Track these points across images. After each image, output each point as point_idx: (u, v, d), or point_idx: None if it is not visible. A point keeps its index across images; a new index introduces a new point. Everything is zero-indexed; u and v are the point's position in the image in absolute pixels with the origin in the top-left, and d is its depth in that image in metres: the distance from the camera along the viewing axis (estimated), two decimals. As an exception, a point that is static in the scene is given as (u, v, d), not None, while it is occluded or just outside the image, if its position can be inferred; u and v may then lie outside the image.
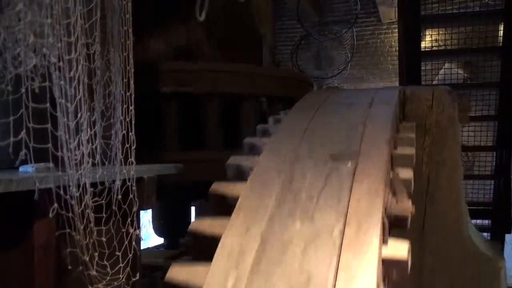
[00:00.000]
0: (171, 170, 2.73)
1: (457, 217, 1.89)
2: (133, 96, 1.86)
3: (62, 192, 1.53)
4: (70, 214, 1.57)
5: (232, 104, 3.81)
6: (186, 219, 4.67)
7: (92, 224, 1.66)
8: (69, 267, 1.66)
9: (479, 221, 5.21)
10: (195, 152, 3.68)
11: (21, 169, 1.67)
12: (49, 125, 1.49)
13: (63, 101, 1.49)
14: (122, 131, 1.82)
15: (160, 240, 5.25)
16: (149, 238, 6.12)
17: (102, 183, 1.78)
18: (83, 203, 1.61)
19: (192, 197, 4.35)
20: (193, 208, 5.03)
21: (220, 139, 3.75)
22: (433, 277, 1.83)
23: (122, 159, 1.85)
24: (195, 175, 3.13)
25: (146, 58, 3.59)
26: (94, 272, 1.67)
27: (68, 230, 1.60)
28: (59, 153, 1.54)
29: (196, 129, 3.71)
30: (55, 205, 1.50)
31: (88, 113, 1.67)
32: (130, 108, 1.83)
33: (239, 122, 3.81)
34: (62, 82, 1.48)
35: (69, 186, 1.56)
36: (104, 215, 1.77)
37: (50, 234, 1.67)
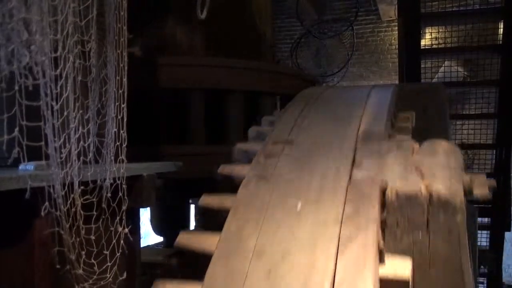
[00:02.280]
0: (170, 168, 2.68)
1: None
2: (125, 93, 1.85)
3: (51, 190, 1.53)
4: (58, 213, 1.56)
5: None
6: (185, 217, 4.67)
7: (79, 223, 1.66)
8: (60, 265, 1.66)
9: (479, 220, 5.20)
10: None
11: (20, 167, 1.66)
12: (41, 123, 1.48)
13: (49, 99, 1.49)
14: (113, 129, 1.81)
15: (160, 238, 5.26)
16: (149, 236, 6.12)
17: (95, 182, 1.77)
18: (69, 202, 1.60)
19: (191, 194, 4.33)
20: (192, 206, 5.03)
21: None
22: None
23: (113, 157, 1.84)
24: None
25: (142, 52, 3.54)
26: (80, 271, 1.67)
27: (58, 229, 1.60)
28: (48, 151, 1.53)
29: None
30: (46, 203, 1.49)
31: (81, 111, 1.66)
32: (122, 106, 1.82)
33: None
34: (47, 80, 1.47)
35: (55, 185, 1.56)
36: (95, 213, 1.76)
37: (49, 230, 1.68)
